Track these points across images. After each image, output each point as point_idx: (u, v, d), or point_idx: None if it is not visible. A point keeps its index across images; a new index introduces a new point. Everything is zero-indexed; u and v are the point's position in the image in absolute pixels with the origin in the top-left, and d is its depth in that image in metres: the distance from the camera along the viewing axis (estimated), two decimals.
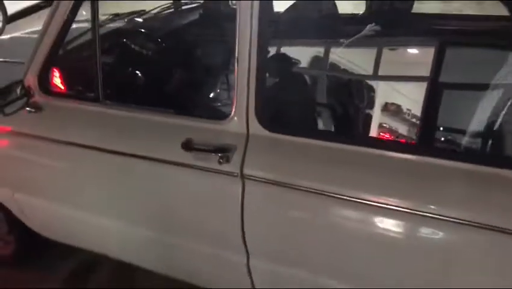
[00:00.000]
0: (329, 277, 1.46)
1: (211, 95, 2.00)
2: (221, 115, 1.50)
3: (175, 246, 1.73)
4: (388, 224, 1.30)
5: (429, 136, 1.53)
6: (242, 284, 1.66)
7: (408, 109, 1.59)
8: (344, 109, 1.67)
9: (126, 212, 1.75)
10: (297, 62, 1.75)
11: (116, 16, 2.46)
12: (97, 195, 1.78)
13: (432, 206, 1.23)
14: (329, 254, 1.43)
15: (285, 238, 1.48)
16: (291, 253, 1.50)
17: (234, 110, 1.46)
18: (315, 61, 1.76)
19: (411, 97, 1.65)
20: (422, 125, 1.52)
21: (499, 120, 1.40)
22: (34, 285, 2.18)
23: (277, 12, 1.87)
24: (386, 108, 1.62)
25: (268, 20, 1.43)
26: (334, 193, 1.34)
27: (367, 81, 1.71)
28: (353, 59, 1.74)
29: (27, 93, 1.80)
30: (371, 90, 1.68)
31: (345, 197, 1.33)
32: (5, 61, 2.57)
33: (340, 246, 1.40)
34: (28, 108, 1.81)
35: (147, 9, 2.53)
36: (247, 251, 1.56)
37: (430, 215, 1.23)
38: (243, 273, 1.61)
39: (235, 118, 1.46)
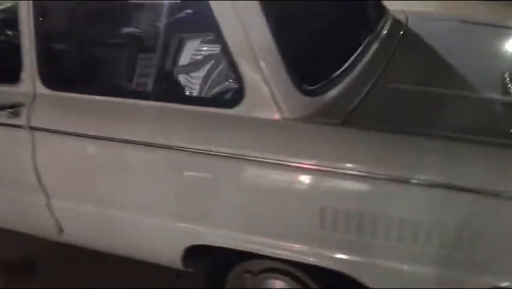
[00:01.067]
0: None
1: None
2: (13, 79, 1.84)
3: None
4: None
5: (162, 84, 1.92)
6: (49, 225, 2.00)
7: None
8: (112, 66, 2.04)
9: None
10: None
11: None
12: None
13: None
14: (112, 188, 1.80)
15: (77, 178, 1.85)
16: (86, 191, 1.86)
17: (22, 74, 1.81)
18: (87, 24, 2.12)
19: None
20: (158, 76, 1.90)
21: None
22: None
23: None
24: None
25: None
26: (102, 137, 1.70)
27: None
28: None
29: None
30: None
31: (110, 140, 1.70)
32: None
33: (115, 179, 1.78)
34: None
35: None
36: (46, 194, 1.91)
37: None
38: (45, 213, 1.95)
39: (24, 81, 1.81)
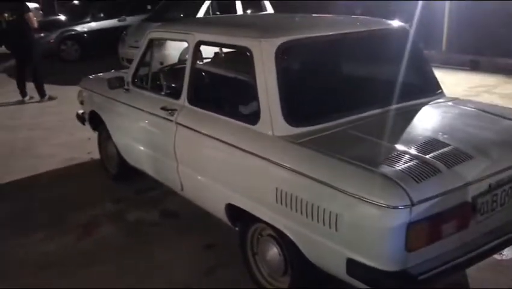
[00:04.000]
0: None
1: None
2: (176, 95, 3.39)
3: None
4: None
5: None
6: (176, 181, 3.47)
7: None
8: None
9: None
10: None
11: None
12: None
13: None
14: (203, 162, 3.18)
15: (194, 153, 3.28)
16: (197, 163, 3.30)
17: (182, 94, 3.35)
18: None
19: None
20: None
21: None
22: None
23: None
24: None
25: None
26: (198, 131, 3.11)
27: None
28: None
29: (126, 83, 4.00)
30: None
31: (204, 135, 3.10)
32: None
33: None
34: (124, 89, 4.01)
35: None
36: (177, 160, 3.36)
37: None
38: (175, 173, 3.42)
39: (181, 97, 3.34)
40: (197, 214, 3.67)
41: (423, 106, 3.03)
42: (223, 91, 3.26)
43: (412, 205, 2.04)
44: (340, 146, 2.45)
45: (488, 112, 2.92)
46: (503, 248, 2.41)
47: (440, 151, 2.34)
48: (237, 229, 3.10)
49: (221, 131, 2.94)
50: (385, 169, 2.17)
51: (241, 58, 2.87)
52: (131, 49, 10.01)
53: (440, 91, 3.25)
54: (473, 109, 3.02)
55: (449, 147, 2.39)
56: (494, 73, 8.96)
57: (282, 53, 2.70)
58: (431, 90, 3.22)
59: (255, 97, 2.76)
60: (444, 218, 2.15)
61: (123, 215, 4.10)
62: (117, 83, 3.98)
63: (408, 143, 2.43)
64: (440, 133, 2.56)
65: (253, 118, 2.78)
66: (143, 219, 4.00)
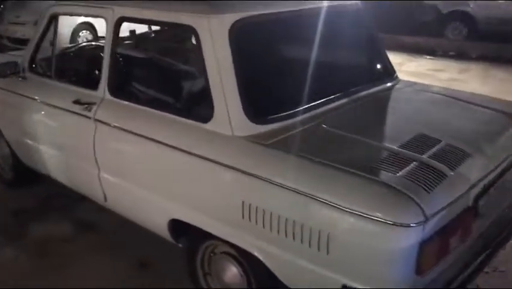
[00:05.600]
0: None
1: None
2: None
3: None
4: None
5: None
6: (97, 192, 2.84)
7: None
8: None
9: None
10: None
11: None
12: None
13: None
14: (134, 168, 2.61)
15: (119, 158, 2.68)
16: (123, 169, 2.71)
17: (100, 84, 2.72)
18: None
19: None
20: None
21: None
22: None
23: None
24: None
25: None
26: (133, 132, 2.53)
27: None
28: None
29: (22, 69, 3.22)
30: None
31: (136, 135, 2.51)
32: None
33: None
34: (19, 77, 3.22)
35: None
36: (98, 166, 2.75)
37: None
38: (96, 181, 2.79)
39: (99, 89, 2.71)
40: (120, 224, 3.04)
41: (388, 93, 2.72)
42: (158, 80, 2.67)
43: (426, 220, 1.68)
44: (320, 147, 2.04)
45: (455, 98, 2.69)
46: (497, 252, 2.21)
47: (434, 149, 2.02)
48: (180, 245, 2.60)
49: (159, 130, 2.37)
50: (385, 176, 1.80)
51: (182, 38, 2.32)
52: (11, 26, 8.77)
53: (396, 75, 2.98)
54: (440, 96, 2.76)
55: (441, 143, 2.07)
56: (398, 52, 9.17)
57: (238, 33, 2.18)
58: (389, 74, 2.92)
59: (204, 88, 2.23)
60: (452, 229, 1.83)
61: (24, 231, 3.33)
62: (9, 71, 3.19)
63: (395, 140, 2.07)
64: (423, 126, 2.24)
65: (202, 114, 2.26)
66: (52, 235, 3.27)
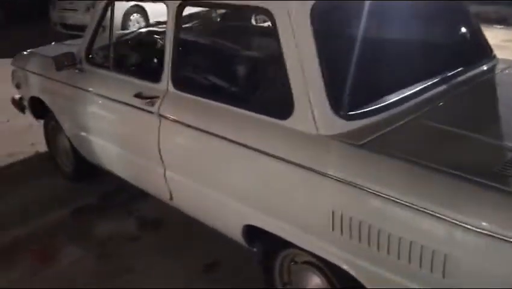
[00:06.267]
0: None
1: None
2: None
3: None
4: None
5: None
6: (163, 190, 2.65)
7: None
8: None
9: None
10: None
11: None
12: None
13: None
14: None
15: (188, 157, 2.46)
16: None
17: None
18: None
19: None
20: None
21: None
22: None
23: None
24: None
25: None
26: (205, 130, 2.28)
27: None
28: None
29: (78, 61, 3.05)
30: None
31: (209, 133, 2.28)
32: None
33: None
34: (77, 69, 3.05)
35: None
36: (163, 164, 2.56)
37: None
38: (161, 180, 2.59)
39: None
40: (185, 222, 2.86)
41: (492, 76, 2.34)
42: (228, 71, 2.42)
43: None
44: (427, 148, 1.72)
45: None
46: None
47: None
48: (254, 249, 2.38)
49: (233, 128, 2.12)
50: None
51: (255, 22, 2.05)
52: (64, 12, 8.76)
53: (494, 54, 2.58)
54: None
55: None
56: None
57: (321, 15, 1.87)
58: (487, 53, 2.52)
59: (282, 80, 1.93)
60: None
61: (89, 229, 3.21)
62: (66, 63, 3.02)
63: None
64: None
65: (280, 109, 1.97)
66: (117, 233, 3.13)
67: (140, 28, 3.81)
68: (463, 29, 2.46)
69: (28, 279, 2.76)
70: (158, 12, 8.43)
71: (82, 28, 8.55)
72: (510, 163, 1.58)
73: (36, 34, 7.63)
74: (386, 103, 1.93)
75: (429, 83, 2.08)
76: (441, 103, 2.00)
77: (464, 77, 2.23)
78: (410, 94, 1.99)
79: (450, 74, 2.19)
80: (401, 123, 1.86)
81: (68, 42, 4.04)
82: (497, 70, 2.41)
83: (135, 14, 8.33)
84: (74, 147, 3.44)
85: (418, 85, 2.04)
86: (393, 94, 1.97)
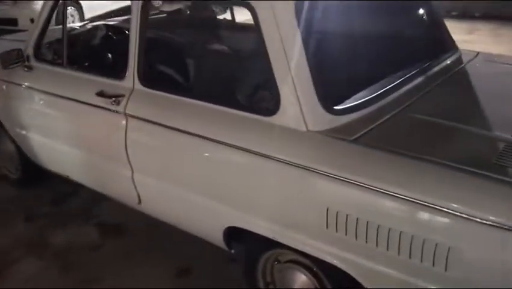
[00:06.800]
0: None
1: None
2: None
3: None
4: None
5: None
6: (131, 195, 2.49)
7: None
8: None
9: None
10: None
11: None
12: None
13: None
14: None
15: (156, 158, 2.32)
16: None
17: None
18: None
19: None
20: None
21: None
22: None
23: None
24: None
25: None
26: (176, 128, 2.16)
27: None
28: None
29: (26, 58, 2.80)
30: None
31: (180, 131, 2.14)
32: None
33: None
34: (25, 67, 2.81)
35: None
36: (131, 168, 2.41)
37: None
38: (129, 185, 2.44)
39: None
40: (149, 226, 2.76)
41: (463, 67, 2.39)
42: (202, 66, 2.30)
43: None
44: (420, 141, 1.71)
45: None
46: None
47: None
48: (232, 251, 2.30)
49: (211, 127, 2.02)
50: None
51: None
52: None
53: (456, 45, 2.65)
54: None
55: None
56: None
57: (306, 11, 1.80)
58: (452, 45, 2.58)
59: (265, 74, 1.86)
60: None
61: (45, 239, 2.97)
62: (12, 60, 2.77)
63: (504, 127, 1.76)
64: None
65: (265, 106, 1.91)
66: (77, 242, 2.92)
67: (87, 22, 3.57)
68: (431, 23, 2.50)
69: None
70: (92, 6, 8.14)
71: (10, 22, 8.10)
72: (504, 153, 1.61)
73: None
74: (371, 96, 1.91)
75: (408, 75, 2.09)
76: (421, 96, 2.02)
77: (436, 68, 2.27)
78: (392, 87, 1.99)
79: (424, 66, 2.21)
80: (388, 116, 1.85)
81: (5, 37, 3.72)
82: (464, 62, 2.47)
83: (69, 8, 7.90)
84: (21, 151, 3.18)
85: (399, 78, 2.04)
86: (377, 88, 1.95)
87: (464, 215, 1.45)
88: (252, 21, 1.91)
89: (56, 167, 2.97)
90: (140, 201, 2.48)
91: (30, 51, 2.79)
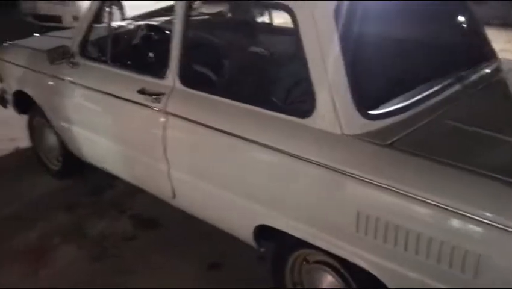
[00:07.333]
0: None
1: None
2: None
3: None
4: None
5: None
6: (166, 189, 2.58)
7: None
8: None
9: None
10: None
11: None
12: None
13: None
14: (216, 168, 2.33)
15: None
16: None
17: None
18: None
19: None
20: None
21: None
22: None
23: None
24: None
25: None
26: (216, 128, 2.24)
27: None
28: None
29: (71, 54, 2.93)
30: None
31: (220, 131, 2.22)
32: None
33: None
34: (70, 64, 2.94)
35: None
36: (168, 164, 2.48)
37: None
38: (165, 180, 2.53)
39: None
40: (182, 220, 2.82)
41: (502, 76, 2.38)
42: (240, 68, 2.36)
43: None
44: (456, 149, 1.72)
45: None
46: None
47: None
48: (262, 249, 2.35)
49: (248, 127, 2.08)
50: None
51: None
52: (36, 2, 8.43)
53: (497, 54, 2.62)
54: None
55: None
56: None
57: (344, 15, 1.83)
58: (492, 54, 2.56)
59: (302, 77, 1.91)
60: None
61: (83, 228, 3.09)
62: (60, 56, 2.90)
63: None
64: None
65: (300, 107, 1.96)
66: (113, 232, 3.03)
67: (134, 21, 3.69)
68: (471, 31, 2.49)
69: (26, 279, 2.66)
70: (135, 5, 8.32)
71: (54, 19, 8.39)
72: None
73: (5, 25, 7.33)
74: (408, 102, 1.93)
75: (445, 83, 2.09)
76: (458, 104, 2.02)
77: (475, 77, 2.27)
78: (429, 93, 2.00)
79: (462, 74, 2.21)
80: (424, 122, 1.87)
81: (53, 33, 3.89)
82: (506, 70, 2.46)
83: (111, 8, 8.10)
84: (63, 143, 3.33)
85: (436, 85, 2.05)
86: (413, 94, 1.97)
87: (496, 224, 1.46)
88: (290, 24, 1.96)
89: (96, 160, 3.09)
90: (174, 196, 2.57)
91: (76, 48, 2.92)
